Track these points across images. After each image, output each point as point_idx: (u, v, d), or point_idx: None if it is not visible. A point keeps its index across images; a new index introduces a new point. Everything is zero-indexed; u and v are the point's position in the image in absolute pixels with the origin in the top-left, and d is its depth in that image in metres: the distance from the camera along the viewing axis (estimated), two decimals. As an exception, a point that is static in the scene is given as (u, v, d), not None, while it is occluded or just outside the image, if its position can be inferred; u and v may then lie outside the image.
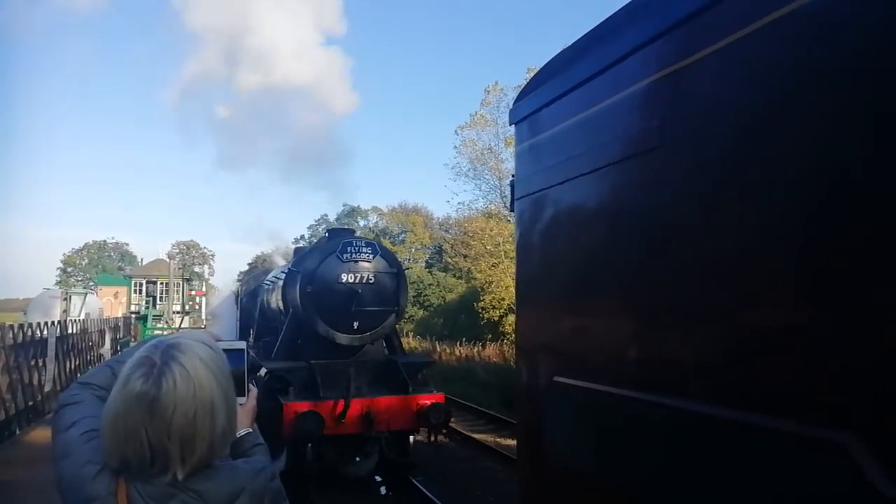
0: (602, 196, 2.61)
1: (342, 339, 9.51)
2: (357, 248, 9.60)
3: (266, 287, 13.37)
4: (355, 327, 9.54)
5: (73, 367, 17.65)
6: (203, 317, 42.56)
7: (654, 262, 2.24)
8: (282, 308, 10.98)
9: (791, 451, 1.66)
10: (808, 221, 1.66)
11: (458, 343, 29.26)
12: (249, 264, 36.05)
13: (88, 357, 20.37)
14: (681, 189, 2.14)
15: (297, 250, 13.54)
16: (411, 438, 9.31)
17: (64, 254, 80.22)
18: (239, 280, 20.87)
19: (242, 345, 2.15)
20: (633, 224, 2.36)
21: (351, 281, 9.49)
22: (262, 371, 9.64)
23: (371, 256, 9.67)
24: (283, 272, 11.23)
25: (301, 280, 9.52)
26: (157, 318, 39.33)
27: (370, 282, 9.59)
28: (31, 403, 13.75)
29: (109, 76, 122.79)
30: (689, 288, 2.07)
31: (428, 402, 8.83)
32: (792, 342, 1.69)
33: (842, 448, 1.47)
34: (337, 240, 9.80)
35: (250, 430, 2.10)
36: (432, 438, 9.16)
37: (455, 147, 34.46)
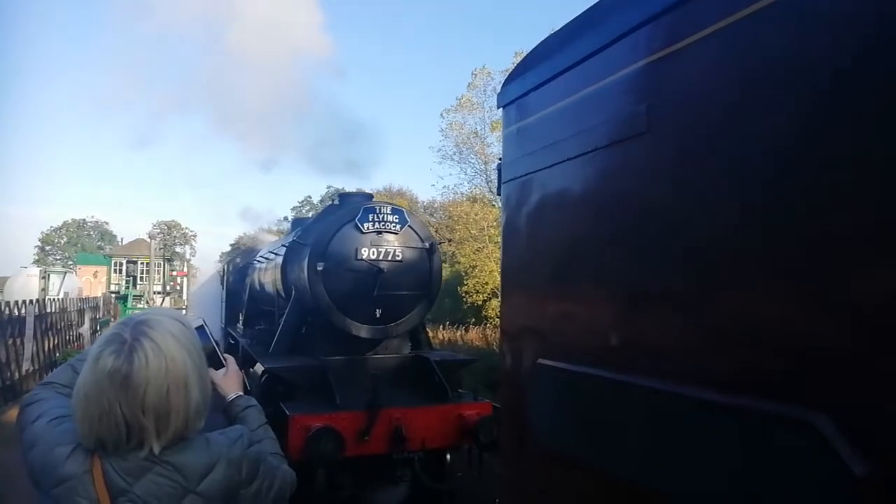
0: (588, 181, 2.51)
1: (361, 330, 7.01)
2: (381, 217, 7.09)
3: (258, 265, 10.76)
4: (377, 316, 7.04)
5: (51, 346, 16.65)
6: (184, 297, 40.26)
7: (638, 246, 2.15)
8: (280, 290, 8.43)
9: (764, 430, 1.63)
10: (792, 208, 1.62)
11: (441, 326, 27.62)
12: (232, 245, 33.42)
13: (67, 336, 19.20)
14: (666, 175, 2.06)
15: (296, 221, 10.90)
16: (448, 457, 6.86)
17: (42, 232, 75.69)
18: (221, 260, 18.12)
19: (199, 321, 2.08)
20: (619, 209, 2.27)
21: (373, 257, 6.98)
22: (259, 368, 7.17)
23: (398, 227, 7.16)
24: (283, 245, 8.64)
25: (309, 255, 7.01)
26: (138, 298, 37.75)
27: (397, 259, 7.09)
28: (8, 383, 12.88)
29: (86, 47, 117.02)
30: (669, 272, 2.01)
31: (474, 414, 6.42)
32: (766, 325, 1.66)
33: (812, 426, 1.45)
34: (354, 205, 7.29)
35: (240, 393, 2.06)
36: (475, 457, 6.72)
37: (441, 130, 32.64)
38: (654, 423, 2.02)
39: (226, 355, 2.16)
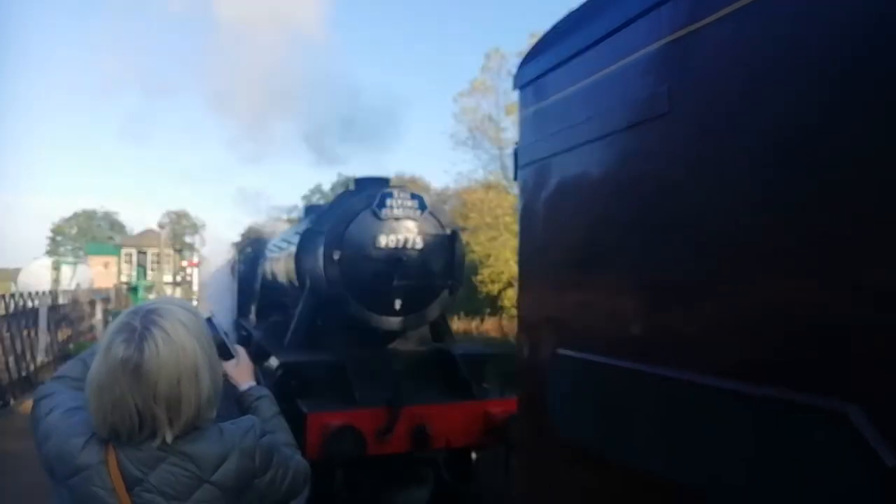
0: (609, 164, 2.39)
1: (380, 322, 6.63)
2: (400, 202, 6.68)
3: (270, 254, 10.39)
4: (397, 307, 6.65)
5: (64, 337, 16.81)
6: (195, 288, 40.15)
7: (662, 232, 2.05)
8: (294, 280, 8.05)
9: (796, 421, 1.57)
10: (819, 193, 1.55)
11: (455, 317, 27.29)
12: (242, 235, 33.13)
13: (80, 328, 19.19)
14: (689, 157, 1.97)
15: (309, 208, 10.50)
16: (473, 455, 6.48)
17: (53, 222, 75.39)
18: (235, 248, 17.77)
19: (208, 313, 2.07)
20: (641, 193, 2.17)
21: (392, 245, 6.57)
22: (273, 362, 6.81)
23: (418, 213, 6.74)
24: (296, 233, 8.26)
25: (325, 244, 6.62)
26: (149, 288, 37.68)
27: (417, 247, 6.68)
28: (24, 374, 12.95)
29: (94, 35, 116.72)
30: (696, 259, 1.92)
31: (502, 412, 6.03)
32: (796, 314, 1.60)
33: (844, 417, 1.42)
34: (371, 190, 6.88)
35: (252, 383, 2.07)
36: (502, 456, 6.34)
37: (454, 115, 32.07)
38: (681, 414, 1.95)
39: (236, 346, 2.16)
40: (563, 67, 2.65)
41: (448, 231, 6.91)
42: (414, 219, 6.70)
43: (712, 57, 1.89)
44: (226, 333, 2.13)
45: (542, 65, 2.82)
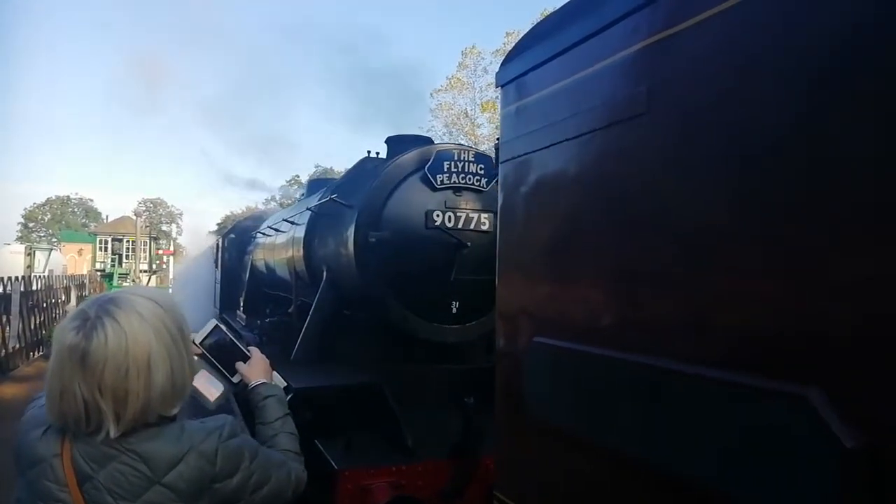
0: (587, 161, 2.33)
1: (430, 330, 4.54)
2: (461, 166, 4.58)
3: (262, 239, 8.17)
4: (454, 310, 4.58)
5: (37, 323, 15.44)
6: (171, 277, 37.61)
7: (635, 228, 2.03)
8: (301, 271, 5.87)
9: (757, 403, 1.57)
10: (787, 190, 1.54)
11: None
12: (219, 224, 30.72)
13: (53, 314, 17.80)
14: (665, 156, 1.94)
15: (314, 183, 8.24)
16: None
17: (25, 209, 70.79)
18: (219, 234, 15.38)
19: (214, 322, 2.01)
20: (618, 190, 2.13)
21: (450, 225, 4.50)
22: (279, 383, 4.67)
23: (485, 182, 4.65)
24: (307, 209, 5.94)
25: (358, 221, 4.50)
26: (124, 276, 35.60)
27: (482, 228, 4.62)
28: None
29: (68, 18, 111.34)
30: (664, 252, 1.92)
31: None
32: (761, 304, 1.59)
33: (805, 401, 1.41)
34: (422, 149, 4.76)
35: (262, 380, 1.90)
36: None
37: (430, 110, 30.41)
38: (648, 398, 1.92)
39: (250, 346, 2.01)
40: (545, 66, 2.53)
41: (522, 208, 4.83)
42: (481, 188, 4.60)
43: (690, 60, 1.84)
44: (234, 338, 2.01)
45: (524, 63, 2.69)
